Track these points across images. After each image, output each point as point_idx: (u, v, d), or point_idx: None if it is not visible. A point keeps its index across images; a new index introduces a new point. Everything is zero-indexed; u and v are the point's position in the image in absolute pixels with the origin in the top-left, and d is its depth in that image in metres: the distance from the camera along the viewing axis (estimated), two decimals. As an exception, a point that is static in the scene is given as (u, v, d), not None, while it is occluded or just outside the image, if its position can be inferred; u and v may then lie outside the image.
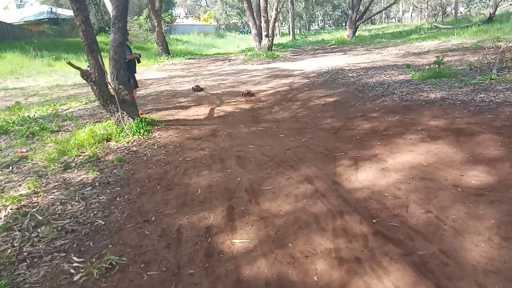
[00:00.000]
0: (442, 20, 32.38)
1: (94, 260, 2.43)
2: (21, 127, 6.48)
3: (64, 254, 2.53)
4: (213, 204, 3.18)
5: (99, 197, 3.45)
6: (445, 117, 4.89)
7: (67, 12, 27.72)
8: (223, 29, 50.61)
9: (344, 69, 10.82)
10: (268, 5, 19.53)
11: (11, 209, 3.24)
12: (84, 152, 4.84)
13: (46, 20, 27.06)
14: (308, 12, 50.87)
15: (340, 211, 2.84)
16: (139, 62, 7.35)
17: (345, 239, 2.45)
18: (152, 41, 25.09)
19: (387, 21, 58.04)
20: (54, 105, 8.49)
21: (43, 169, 4.36)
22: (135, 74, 7.19)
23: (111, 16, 5.60)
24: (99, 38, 22.58)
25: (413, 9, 48.87)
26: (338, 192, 3.16)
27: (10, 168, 4.49)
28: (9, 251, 2.58)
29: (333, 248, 2.37)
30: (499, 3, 24.80)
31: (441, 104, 5.50)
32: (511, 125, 4.21)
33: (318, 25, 62.78)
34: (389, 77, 8.53)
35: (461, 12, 38.06)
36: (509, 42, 8.55)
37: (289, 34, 38.69)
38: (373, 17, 41.83)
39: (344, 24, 54.86)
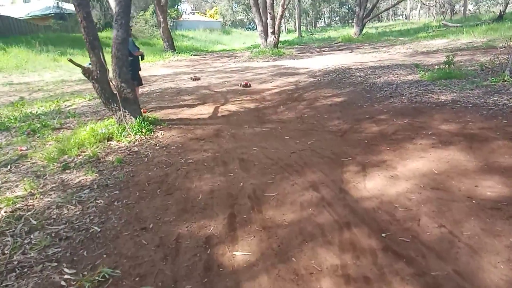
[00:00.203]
0: (451, 18, 31.90)
1: (86, 272, 2.31)
2: (23, 123, 6.40)
3: (56, 264, 2.41)
4: (214, 211, 3.05)
5: (97, 201, 3.33)
6: (456, 121, 4.71)
7: (73, 7, 27.62)
8: (229, 25, 50.35)
9: (351, 68, 10.62)
10: (275, 2, 19.28)
11: (5, 212, 3.13)
12: (84, 152, 4.73)
13: (52, 15, 27.03)
14: (315, 9, 50.44)
15: (347, 222, 2.69)
16: (143, 59, 7.23)
17: (353, 255, 2.31)
18: (157, 37, 24.96)
19: (394, 18, 57.42)
20: (58, 101, 8.41)
21: (42, 168, 4.26)
22: (139, 72, 7.07)
23: (114, 12, 5.46)
24: (104, 34, 22.39)
25: (420, 7, 48.26)
26: (345, 201, 3.01)
27: (9, 167, 4.40)
28: None
29: (340, 265, 2.23)
30: (509, 1, 24.31)
31: (452, 107, 5.31)
32: (527, 131, 4.03)
33: (324, 22, 62.28)
34: (397, 77, 8.34)
35: (469, 10, 37.48)
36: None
37: (295, 31, 38.37)
38: (380, 15, 41.31)
39: (350, 21, 54.34)
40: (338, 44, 21.65)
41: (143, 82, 7.71)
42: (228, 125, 5.78)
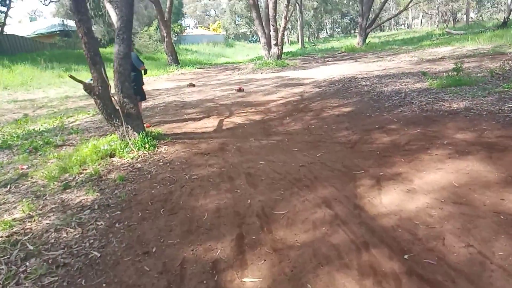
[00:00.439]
0: (454, 26, 31.84)
1: (84, 304, 2.13)
2: (25, 141, 6.30)
3: (51, 295, 2.23)
4: (221, 232, 2.86)
5: (97, 223, 3.16)
6: (472, 130, 4.51)
7: (78, 24, 27.99)
8: (232, 38, 50.73)
9: (356, 77, 10.48)
10: (277, 14, 19.34)
11: (1, 237, 2.97)
12: (86, 170, 4.58)
13: (57, 32, 27.41)
14: (317, 20, 50.75)
15: (365, 242, 2.49)
16: (145, 73, 7.15)
17: (374, 280, 2.10)
18: (161, 51, 25.14)
19: (396, 27, 57.60)
20: (61, 117, 8.34)
21: (42, 188, 4.11)
22: (142, 86, 6.98)
23: (116, 27, 5.39)
24: (109, 50, 22.58)
25: (422, 16, 48.35)
26: (360, 219, 2.81)
27: (8, 187, 4.26)
28: (-8, 289, 2.30)
29: (361, 292, 2.02)
30: (513, 8, 24.16)
31: (466, 115, 5.12)
32: (548, 138, 3.82)
33: (326, 32, 62.64)
34: (405, 85, 8.17)
35: (472, 18, 37.41)
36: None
37: (298, 42, 38.54)
38: (382, 24, 41.41)
39: (353, 31, 54.66)
40: (342, 54, 21.57)
41: (146, 96, 7.61)
42: (234, 138, 5.63)
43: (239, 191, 3.63)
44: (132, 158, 4.85)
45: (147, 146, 5.13)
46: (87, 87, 4.95)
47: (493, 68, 8.31)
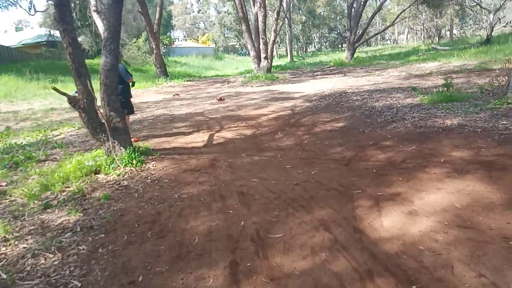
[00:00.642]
0: (438, 42, 32.63)
1: None
2: (6, 155, 6.00)
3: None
4: (213, 258, 2.66)
5: (79, 247, 2.92)
6: (468, 147, 4.45)
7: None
8: (221, 51, 50.96)
9: (347, 92, 10.47)
10: (266, 27, 19.44)
11: (-28, 264, 2.71)
12: (69, 187, 4.33)
13: (44, 42, 26.98)
14: (305, 34, 51.49)
15: (369, 270, 2.33)
16: (133, 86, 6.95)
17: (382, 315, 1.94)
18: (150, 63, 24.93)
19: (382, 43, 58.81)
20: (45, 130, 8.03)
21: (21, 208, 3.85)
22: (130, 99, 6.77)
23: (103, 38, 5.21)
24: (97, 61, 22.38)
25: (408, 31, 49.54)
26: (362, 243, 2.66)
27: (-17, 207, 3.97)
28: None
29: (368, 329, 1.85)
30: (494, 25, 24.93)
31: (460, 132, 5.07)
32: (546, 157, 3.77)
33: (314, 47, 63.56)
34: (395, 100, 8.16)
35: (455, 34, 38.44)
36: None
37: (287, 56, 38.88)
38: (369, 40, 42.22)
39: (340, 45, 55.59)
40: (331, 68, 21.76)
41: (134, 109, 7.40)
42: (225, 154, 5.45)
43: (231, 211, 3.45)
44: (119, 175, 4.62)
45: (134, 162, 4.91)
46: (71, 100, 4.73)
47: (482, 84, 8.39)
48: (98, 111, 5.02)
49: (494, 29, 23.95)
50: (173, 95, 13.73)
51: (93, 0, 15.09)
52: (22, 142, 6.96)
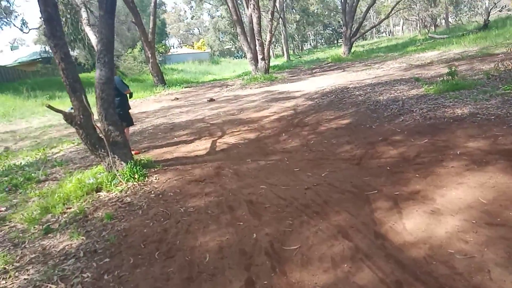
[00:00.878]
0: (435, 31, 32.37)
1: None
2: (5, 178, 5.83)
3: None
4: (227, 278, 2.47)
5: (83, 275, 2.74)
6: (483, 137, 4.24)
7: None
8: (218, 55, 50.87)
9: (348, 88, 10.26)
10: (261, 28, 19.27)
11: (-31, 302, 2.54)
12: (70, 208, 4.16)
13: (39, 59, 26.94)
14: (300, 32, 51.32)
15: (397, 281, 2.13)
16: (131, 97, 6.78)
17: (420, 335, 1.74)
18: (147, 73, 24.81)
19: (378, 35, 58.57)
20: (44, 149, 7.87)
21: (21, 234, 3.67)
22: (129, 111, 6.60)
23: (96, 50, 5.04)
24: (93, 74, 22.44)
25: (403, 22, 49.27)
26: (386, 250, 2.46)
27: (-18, 235, 3.80)
28: None
29: None
30: (491, 10, 24.67)
31: (473, 121, 4.86)
32: None
33: (310, 44, 63.43)
34: (400, 92, 7.95)
35: (450, 22, 38.13)
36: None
37: (283, 55, 38.69)
38: (365, 33, 42.00)
39: (336, 41, 55.39)
40: (329, 64, 21.55)
41: (134, 120, 7.23)
42: (229, 161, 5.26)
43: (242, 223, 3.26)
44: (121, 191, 4.44)
45: (136, 176, 4.73)
46: (67, 117, 4.56)
47: (487, 70, 8.17)
48: (96, 126, 4.85)
49: (490, 14, 23.71)
50: (173, 99, 14.27)
51: (84, 13, 14.99)
52: (21, 163, 6.80)
